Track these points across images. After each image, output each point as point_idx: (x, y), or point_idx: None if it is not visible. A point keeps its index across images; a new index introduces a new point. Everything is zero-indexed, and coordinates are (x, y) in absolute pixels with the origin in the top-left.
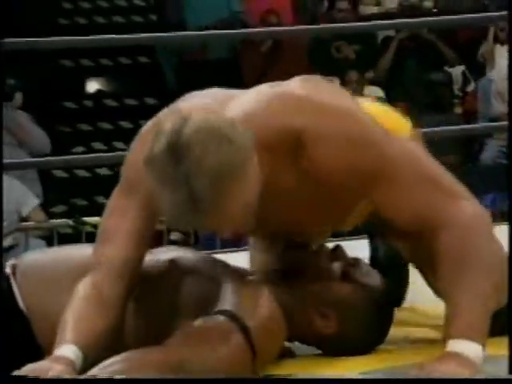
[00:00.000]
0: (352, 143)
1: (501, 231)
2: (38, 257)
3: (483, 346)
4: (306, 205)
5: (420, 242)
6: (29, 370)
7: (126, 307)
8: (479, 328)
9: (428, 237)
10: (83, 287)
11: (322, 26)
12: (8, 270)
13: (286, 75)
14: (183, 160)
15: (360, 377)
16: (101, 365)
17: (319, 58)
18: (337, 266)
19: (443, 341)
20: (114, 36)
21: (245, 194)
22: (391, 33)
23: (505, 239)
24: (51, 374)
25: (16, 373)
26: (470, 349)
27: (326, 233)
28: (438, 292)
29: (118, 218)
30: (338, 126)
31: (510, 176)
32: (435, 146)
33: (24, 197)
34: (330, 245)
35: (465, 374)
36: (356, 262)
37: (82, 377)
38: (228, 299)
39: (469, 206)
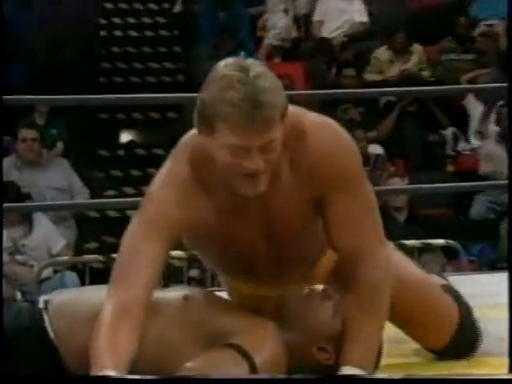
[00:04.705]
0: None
1: (492, 278)
2: (69, 296)
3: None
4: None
5: (343, 263)
6: None
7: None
8: (370, 358)
9: (351, 261)
10: (109, 315)
11: (330, 90)
12: (41, 304)
13: None
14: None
15: None
16: None
17: None
18: (329, 304)
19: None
20: (146, 95)
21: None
22: (392, 97)
23: (503, 285)
24: None
25: None
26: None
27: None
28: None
29: (134, 254)
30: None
31: (510, 221)
32: (429, 200)
33: (52, 236)
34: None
35: None
36: None
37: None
38: (237, 333)
39: (384, 253)
